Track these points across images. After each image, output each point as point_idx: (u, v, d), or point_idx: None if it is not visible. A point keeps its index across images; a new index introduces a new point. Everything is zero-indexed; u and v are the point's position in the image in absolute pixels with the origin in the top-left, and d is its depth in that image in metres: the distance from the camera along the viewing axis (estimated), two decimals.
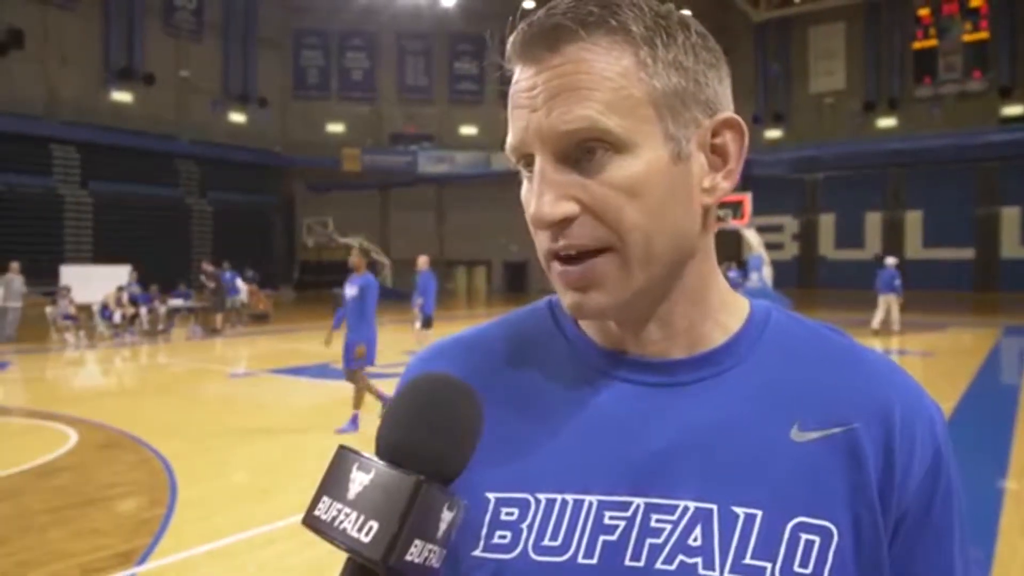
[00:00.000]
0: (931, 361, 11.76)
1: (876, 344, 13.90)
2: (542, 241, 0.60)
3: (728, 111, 0.62)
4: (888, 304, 15.20)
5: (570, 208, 0.57)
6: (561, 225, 0.57)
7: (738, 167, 0.62)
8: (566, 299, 0.61)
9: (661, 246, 0.59)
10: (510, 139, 0.60)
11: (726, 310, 0.66)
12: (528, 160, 0.60)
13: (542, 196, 0.57)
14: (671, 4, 0.61)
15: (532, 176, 0.59)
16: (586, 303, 0.60)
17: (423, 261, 11.35)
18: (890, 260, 16.07)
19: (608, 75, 0.56)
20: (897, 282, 15.21)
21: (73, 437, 6.62)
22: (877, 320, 15.08)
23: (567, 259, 0.59)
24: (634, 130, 0.56)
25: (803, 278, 32.11)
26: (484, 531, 0.60)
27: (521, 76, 0.59)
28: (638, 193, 0.57)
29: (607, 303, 0.59)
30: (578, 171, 0.57)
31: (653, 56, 0.57)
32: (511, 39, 0.61)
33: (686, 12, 0.62)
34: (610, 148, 0.56)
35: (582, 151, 0.57)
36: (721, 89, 0.62)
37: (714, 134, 0.61)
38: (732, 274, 18.69)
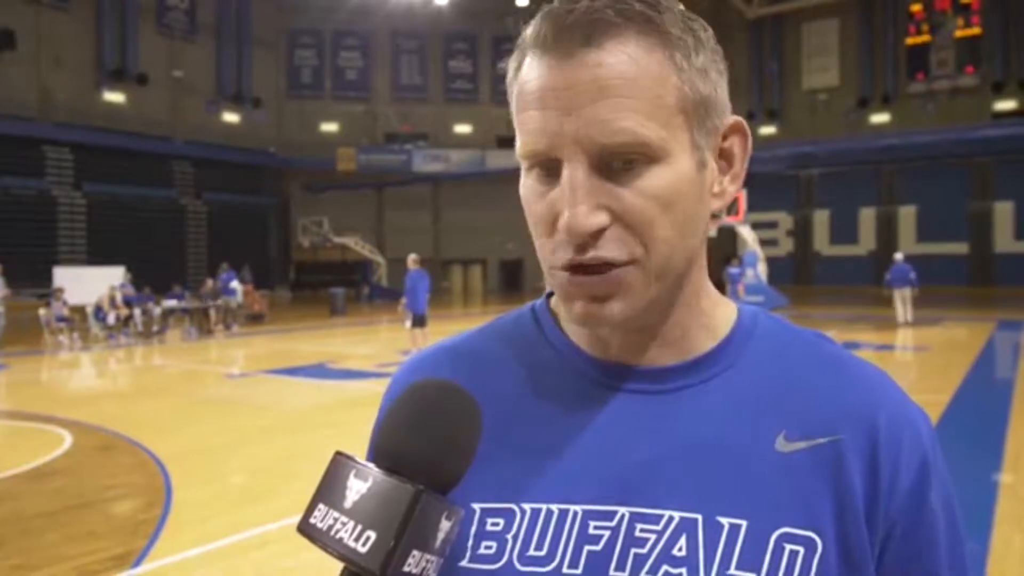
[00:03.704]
0: (926, 355, 11.80)
1: (896, 336, 14.09)
2: (558, 252, 0.57)
3: (732, 115, 0.62)
4: (903, 297, 15.80)
5: (604, 219, 0.55)
6: (593, 236, 0.55)
7: (743, 170, 0.62)
8: (576, 308, 0.58)
9: (679, 258, 0.58)
10: (531, 141, 0.56)
11: (715, 315, 0.65)
12: (546, 160, 0.56)
13: (576, 206, 0.54)
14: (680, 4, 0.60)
15: (543, 174, 0.57)
16: (603, 312, 0.57)
17: (412, 260, 11.36)
18: (899, 255, 16.69)
19: (646, 81, 0.54)
20: (912, 275, 15.83)
21: (68, 440, 6.59)
22: (909, 314, 15.81)
23: (586, 269, 0.56)
24: (669, 139, 0.55)
25: (798, 274, 32.21)
26: (470, 542, 0.60)
27: (546, 70, 0.55)
28: (670, 204, 0.56)
29: (625, 312, 0.58)
30: (610, 179, 0.55)
31: (687, 61, 0.56)
32: (537, 25, 0.56)
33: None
34: (646, 158, 0.55)
35: (617, 160, 0.54)
36: (727, 94, 0.62)
37: (723, 138, 0.61)
38: (733, 271, 18.71)
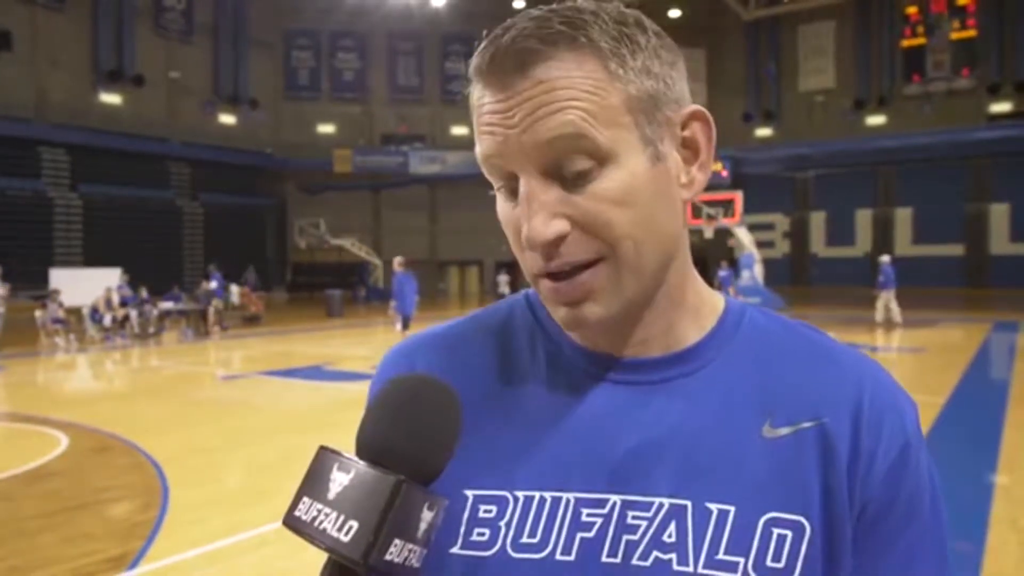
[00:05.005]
0: (922, 356, 11.83)
1: (892, 337, 14.19)
2: (531, 261, 0.59)
3: (691, 104, 0.62)
4: (887, 298, 16.08)
5: (562, 226, 0.56)
6: (554, 244, 0.57)
7: (710, 158, 0.62)
8: (559, 314, 0.60)
9: (651, 252, 0.59)
10: (486, 152, 0.58)
11: (701, 308, 0.66)
12: (506, 178, 0.59)
13: (533, 217, 0.56)
14: (620, 5, 0.60)
15: (508, 194, 0.59)
16: (581, 316, 0.59)
17: (398, 262, 11.39)
18: (886, 258, 17.01)
19: (584, 87, 0.55)
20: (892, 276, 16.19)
21: (64, 441, 6.57)
22: (897, 313, 16.07)
23: (558, 276, 0.58)
24: (616, 139, 0.56)
25: (794, 276, 32.26)
26: (462, 528, 0.60)
27: (490, 100, 0.57)
28: (626, 202, 0.56)
29: (601, 314, 0.59)
30: (564, 187, 0.56)
31: (623, 66, 0.57)
32: (475, 61, 0.58)
33: (634, 12, 0.60)
34: (594, 161, 0.56)
35: (567, 164, 0.56)
36: (683, 85, 0.62)
37: (682, 127, 0.61)
38: (723, 273, 18.75)
